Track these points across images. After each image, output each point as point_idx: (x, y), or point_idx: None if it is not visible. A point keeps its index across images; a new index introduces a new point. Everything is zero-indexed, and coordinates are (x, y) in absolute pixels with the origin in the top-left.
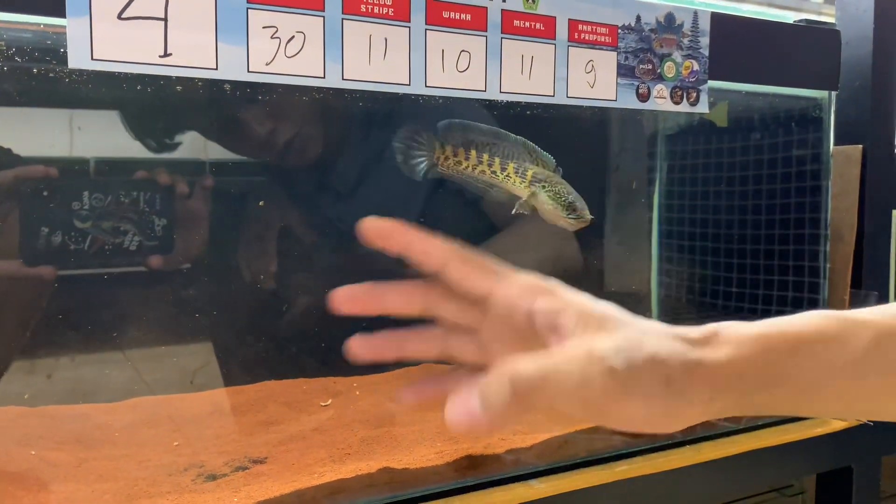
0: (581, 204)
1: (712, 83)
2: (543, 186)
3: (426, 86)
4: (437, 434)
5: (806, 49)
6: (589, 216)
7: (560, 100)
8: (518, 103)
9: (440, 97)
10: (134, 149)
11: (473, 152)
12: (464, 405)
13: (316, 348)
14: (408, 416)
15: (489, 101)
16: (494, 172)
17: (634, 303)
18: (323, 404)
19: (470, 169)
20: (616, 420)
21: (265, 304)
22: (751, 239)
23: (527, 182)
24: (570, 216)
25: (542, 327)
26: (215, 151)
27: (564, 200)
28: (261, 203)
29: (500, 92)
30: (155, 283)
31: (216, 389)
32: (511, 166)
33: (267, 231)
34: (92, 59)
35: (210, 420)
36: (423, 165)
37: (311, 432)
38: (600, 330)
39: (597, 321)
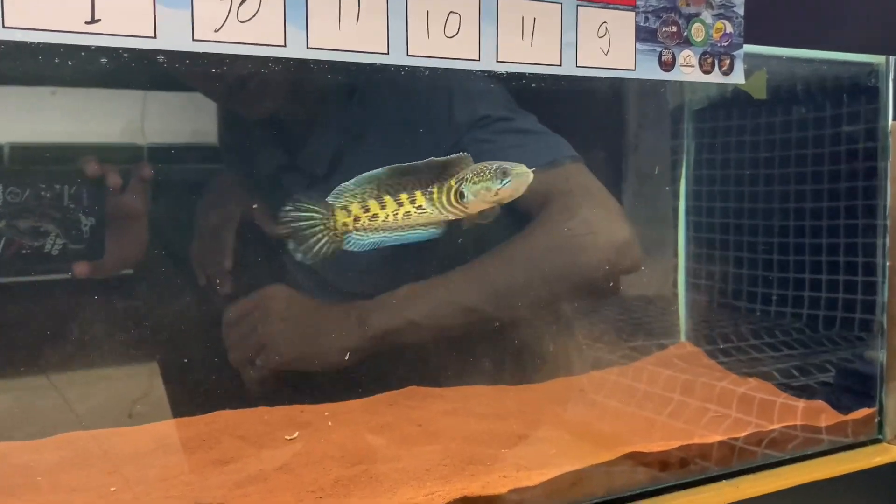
0: (510, 164)
1: (748, 48)
2: (467, 182)
3: (408, 55)
4: (426, 472)
5: (859, 6)
6: (527, 169)
7: (568, 70)
8: (520, 75)
9: (427, 68)
10: (57, 133)
11: (388, 198)
12: None
13: (280, 370)
14: (390, 449)
15: (484, 73)
16: (421, 207)
17: (658, 309)
18: (288, 438)
19: (391, 217)
20: None
21: (219, 318)
22: (794, 231)
23: (454, 193)
24: (505, 182)
25: None
26: (155, 134)
27: (490, 172)
28: (255, 206)
29: (497, 61)
30: (83, 294)
31: (160, 422)
32: (435, 190)
33: (224, 226)
34: (3, 26)
35: (153, 458)
36: (323, 242)
37: (274, 472)
38: None
39: None
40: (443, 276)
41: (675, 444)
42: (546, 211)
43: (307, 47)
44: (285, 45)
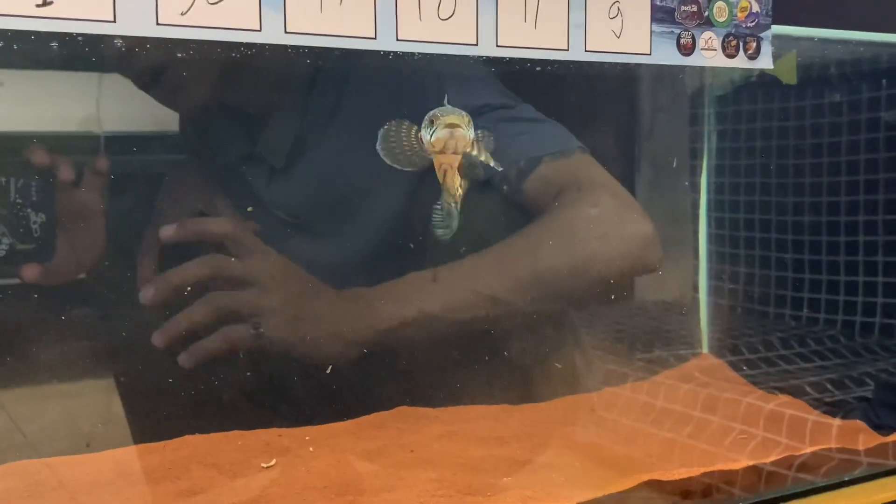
0: (440, 110)
1: (776, 28)
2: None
3: (397, 39)
4: (422, 503)
5: None
6: (452, 111)
7: (576, 55)
8: (515, 60)
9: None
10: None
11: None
12: None
13: (254, 387)
14: (380, 478)
15: (483, 58)
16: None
17: (677, 316)
18: (265, 465)
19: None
20: None
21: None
22: (827, 228)
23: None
24: (432, 131)
25: None
26: (112, 122)
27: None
28: (249, 209)
29: (497, 46)
30: (33, 301)
31: (121, 448)
32: None
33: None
34: None
35: (114, 490)
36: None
37: None
38: None
39: None
40: (456, 264)
41: (699, 470)
42: (562, 200)
43: (285, 31)
44: (261, 30)
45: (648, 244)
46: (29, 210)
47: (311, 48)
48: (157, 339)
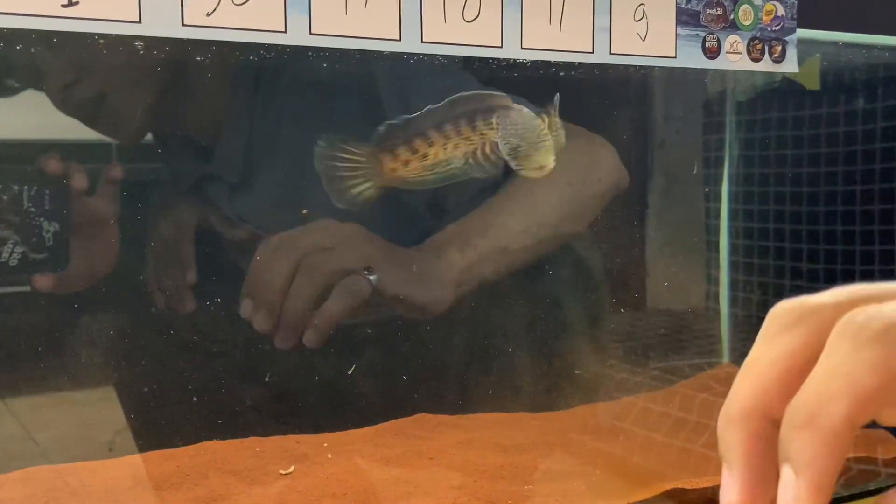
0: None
1: (801, 32)
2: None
3: (422, 41)
4: None
5: None
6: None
7: (601, 57)
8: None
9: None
10: (13, 127)
11: (435, 135)
12: None
13: (271, 395)
14: (399, 486)
15: (506, 60)
16: (472, 143)
17: (698, 327)
18: (283, 472)
19: (442, 153)
20: None
21: (202, 338)
22: (861, 238)
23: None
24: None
25: None
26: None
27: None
28: (304, 212)
29: (522, 48)
30: (46, 310)
31: (137, 454)
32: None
33: (180, 239)
34: None
35: (130, 496)
36: (365, 187)
37: None
38: None
39: None
40: (486, 206)
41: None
42: None
43: (310, 33)
44: (286, 31)
45: (615, 168)
46: (42, 219)
47: (240, 51)
48: (312, 339)
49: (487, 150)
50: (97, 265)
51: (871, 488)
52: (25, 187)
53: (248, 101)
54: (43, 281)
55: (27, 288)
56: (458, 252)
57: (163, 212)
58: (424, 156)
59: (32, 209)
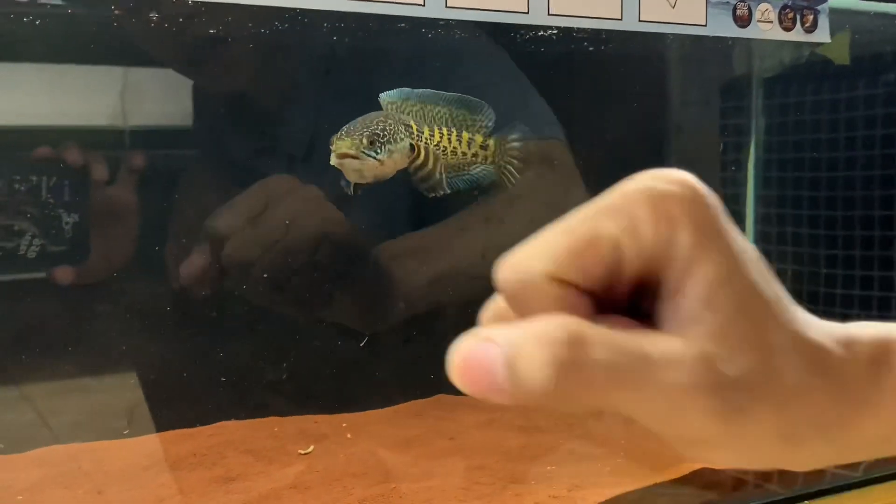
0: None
1: (833, 1)
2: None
3: (447, 6)
4: (463, 491)
5: None
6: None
7: (629, 25)
8: (536, 32)
9: (441, 24)
10: (33, 114)
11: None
12: (483, 365)
13: (290, 375)
14: (419, 466)
15: (532, 27)
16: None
17: None
18: (302, 452)
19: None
20: (695, 449)
21: (219, 317)
22: (881, 223)
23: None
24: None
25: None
26: (137, 116)
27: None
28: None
29: (549, 14)
30: (64, 299)
31: (153, 434)
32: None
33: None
34: None
35: (146, 477)
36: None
37: (286, 491)
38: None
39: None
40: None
41: None
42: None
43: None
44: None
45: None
46: (61, 210)
47: (328, 31)
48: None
49: None
50: (119, 252)
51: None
52: (45, 177)
53: (322, 79)
54: (63, 273)
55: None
56: (415, 266)
57: (201, 189)
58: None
59: (51, 200)
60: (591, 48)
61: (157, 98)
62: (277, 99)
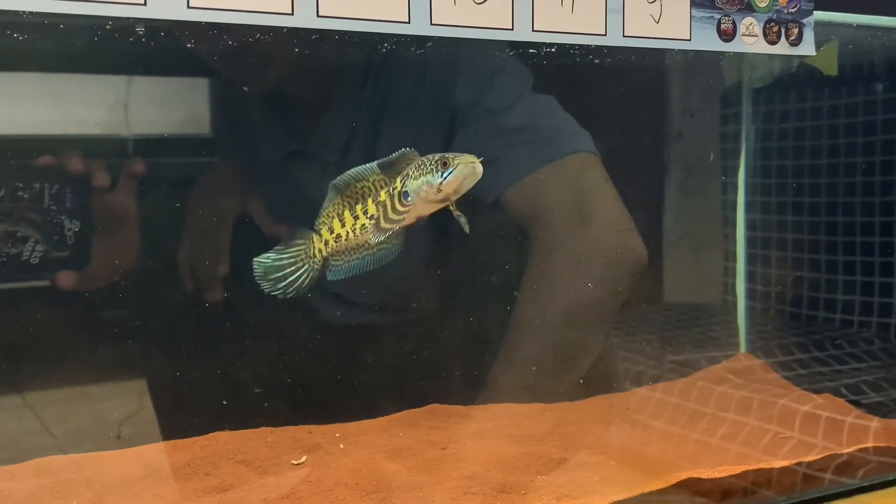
0: (454, 154)
1: (819, 14)
2: (409, 179)
3: (431, 24)
4: (453, 501)
5: None
6: (472, 158)
7: (613, 40)
8: (541, 47)
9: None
10: (36, 123)
11: (346, 213)
12: None
13: (284, 385)
14: (411, 476)
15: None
16: (373, 216)
17: (715, 318)
18: (295, 462)
19: (352, 234)
20: None
21: (216, 328)
22: (880, 229)
23: (398, 195)
24: (448, 173)
25: None
26: (140, 125)
27: (431, 163)
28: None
29: (533, 31)
30: (66, 306)
31: (150, 444)
32: (383, 194)
33: (218, 226)
34: None
35: (142, 486)
36: (303, 274)
37: (280, 501)
38: None
39: None
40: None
41: (737, 469)
42: (541, 233)
43: (318, 15)
44: (293, 14)
45: (631, 263)
46: (63, 217)
47: (365, 39)
48: None
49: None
50: (122, 260)
51: (891, 478)
52: (47, 185)
53: (358, 86)
54: (65, 279)
55: (46, 283)
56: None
57: (232, 195)
58: (338, 237)
59: (54, 207)
60: (578, 61)
61: (188, 103)
62: (309, 105)
